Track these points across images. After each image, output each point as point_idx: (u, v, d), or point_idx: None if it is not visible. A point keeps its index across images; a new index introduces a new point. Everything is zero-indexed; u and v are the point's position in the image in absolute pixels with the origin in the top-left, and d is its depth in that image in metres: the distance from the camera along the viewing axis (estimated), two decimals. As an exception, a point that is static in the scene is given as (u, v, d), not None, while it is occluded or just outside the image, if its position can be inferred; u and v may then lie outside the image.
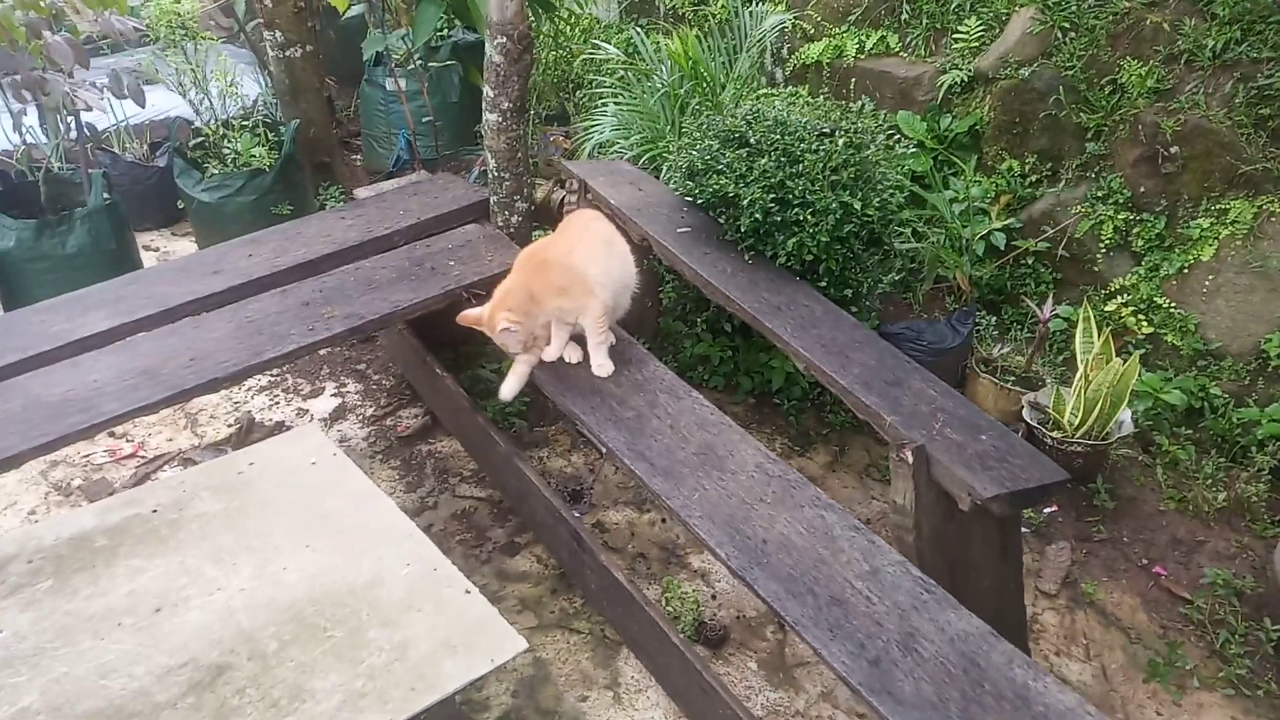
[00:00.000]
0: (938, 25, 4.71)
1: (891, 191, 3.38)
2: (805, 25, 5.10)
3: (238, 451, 2.30)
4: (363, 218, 3.36)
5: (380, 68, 5.12)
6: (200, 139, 4.52)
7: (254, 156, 4.40)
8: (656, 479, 2.39)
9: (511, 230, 3.42)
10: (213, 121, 4.53)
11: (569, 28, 5.76)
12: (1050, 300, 3.57)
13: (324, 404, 3.79)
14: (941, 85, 4.52)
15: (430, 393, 3.57)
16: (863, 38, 4.93)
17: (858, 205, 3.18)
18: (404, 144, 5.10)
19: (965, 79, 4.48)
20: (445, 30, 5.25)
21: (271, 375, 3.93)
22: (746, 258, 3.26)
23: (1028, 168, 4.32)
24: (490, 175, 3.36)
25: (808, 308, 3.03)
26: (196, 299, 2.91)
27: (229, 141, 4.49)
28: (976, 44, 4.48)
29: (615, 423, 2.57)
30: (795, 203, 3.16)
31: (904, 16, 4.81)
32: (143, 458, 3.50)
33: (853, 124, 3.48)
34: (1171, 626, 2.86)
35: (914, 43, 4.78)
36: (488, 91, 3.19)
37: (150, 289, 2.97)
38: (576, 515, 2.94)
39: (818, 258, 3.21)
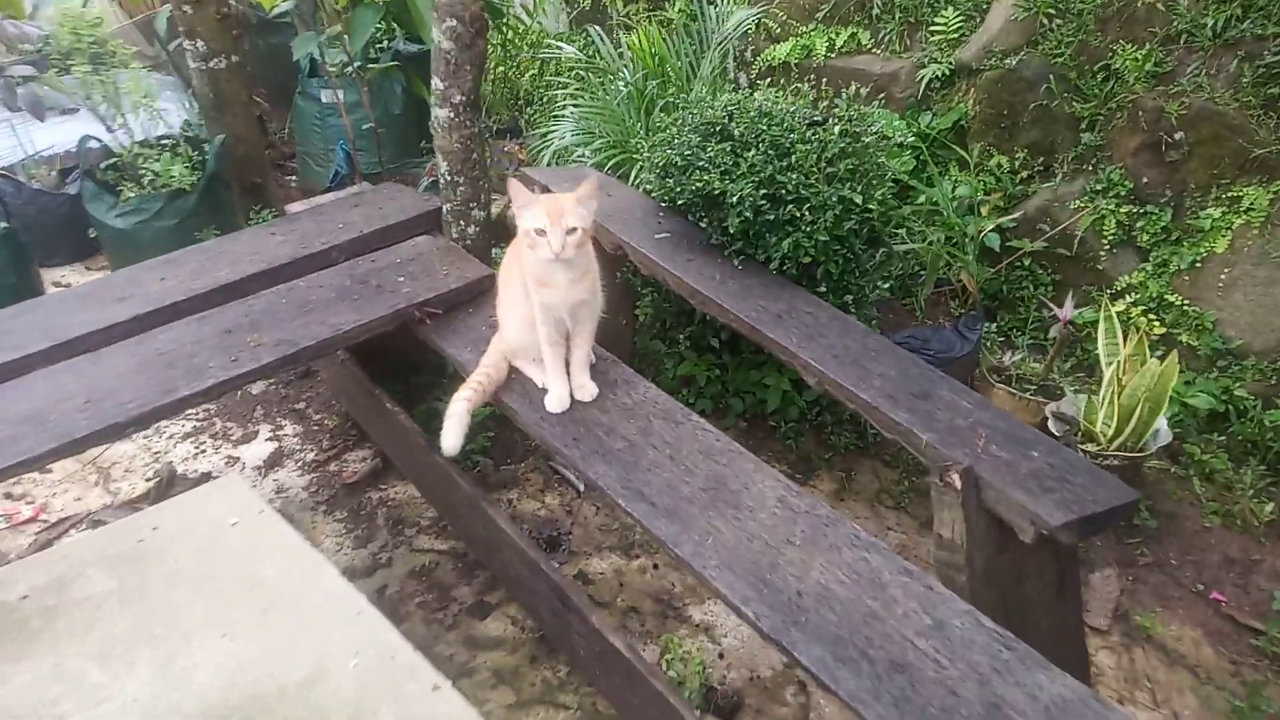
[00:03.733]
0: (911, 19, 4.43)
1: (890, 186, 3.05)
2: (770, 24, 4.79)
3: (138, 514, 1.85)
4: (296, 233, 2.93)
5: (315, 78, 4.68)
6: (114, 159, 4.04)
7: (174, 176, 3.93)
8: (660, 521, 1.98)
9: (468, 242, 3.01)
10: (128, 141, 4.06)
11: (517, 38, 5.40)
12: (1070, 300, 3.24)
13: (258, 450, 3.32)
14: (921, 80, 4.23)
15: (380, 431, 3.12)
16: (832, 35, 4.64)
17: (858, 199, 2.83)
18: (343, 157, 4.65)
19: (945, 72, 4.19)
20: (384, 39, 4.85)
21: (195, 419, 3.45)
22: (736, 263, 2.89)
23: (1018, 163, 4.02)
24: (442, 181, 2.95)
25: (811, 315, 2.67)
26: (98, 330, 2.45)
27: (146, 162, 4.02)
28: (955, 35, 4.21)
29: (604, 455, 2.16)
30: (789, 199, 2.80)
31: (875, 11, 4.53)
32: (45, 521, 3.00)
33: (844, 112, 3.14)
34: (1244, 662, 2.52)
35: (887, 38, 4.49)
36: (437, 84, 2.79)
37: (44, 320, 2.51)
38: (556, 566, 2.51)
39: (815, 260, 2.85)
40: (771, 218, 2.81)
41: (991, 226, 3.83)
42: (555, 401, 2.31)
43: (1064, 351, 3.53)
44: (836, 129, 2.92)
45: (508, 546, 2.51)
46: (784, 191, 2.81)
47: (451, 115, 2.82)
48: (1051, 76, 3.84)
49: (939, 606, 1.75)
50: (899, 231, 3.71)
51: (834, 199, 2.81)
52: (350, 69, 4.46)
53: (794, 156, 2.85)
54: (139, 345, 2.39)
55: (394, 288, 2.67)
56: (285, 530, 1.77)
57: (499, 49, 5.09)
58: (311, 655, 1.50)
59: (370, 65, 4.58)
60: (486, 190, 3.00)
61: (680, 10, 4.85)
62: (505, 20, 4.85)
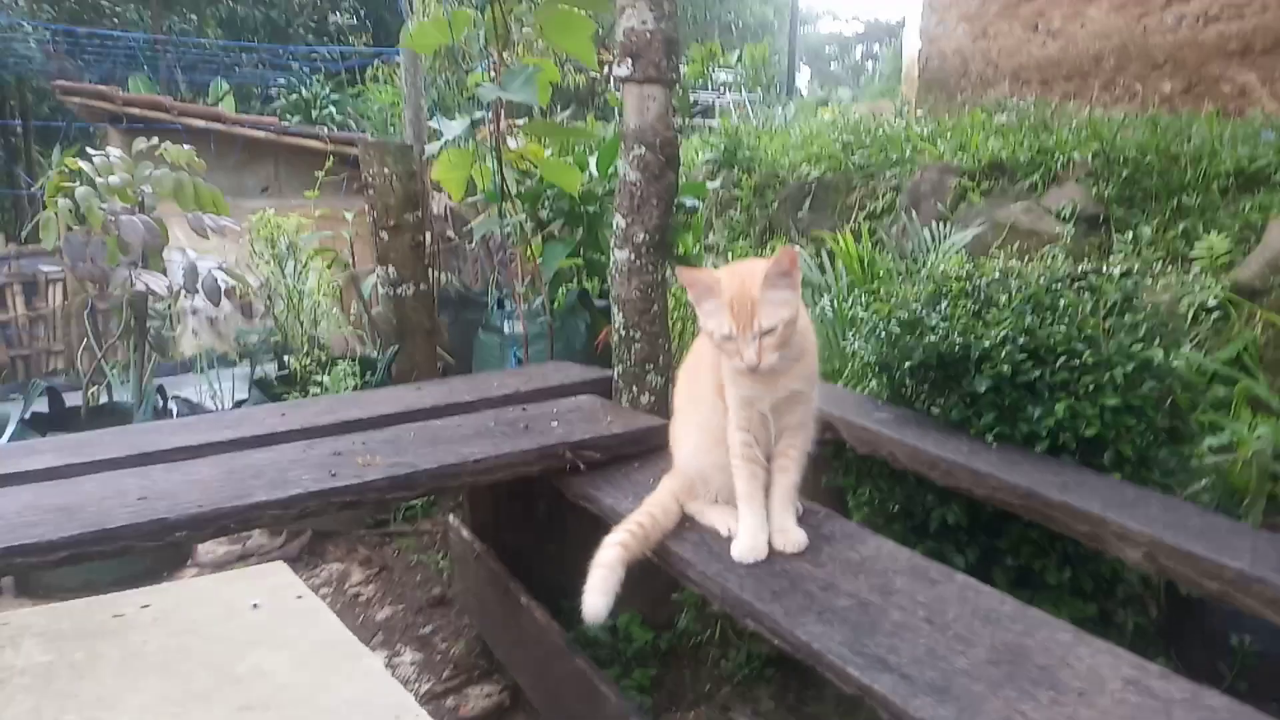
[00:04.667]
0: (1164, 253, 3.88)
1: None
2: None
3: (130, 591, 1.27)
4: (444, 388, 2.54)
5: (501, 309, 4.56)
6: (285, 371, 3.90)
7: (344, 387, 3.72)
8: (921, 700, 1.18)
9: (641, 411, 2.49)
10: (305, 355, 3.94)
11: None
12: None
13: (365, 672, 2.66)
14: (1189, 309, 3.56)
15: (511, 646, 2.42)
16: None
17: (1158, 355, 2.13)
18: (515, 362, 4.36)
19: (1217, 299, 3.52)
20: (575, 278, 4.75)
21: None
22: (988, 439, 2.19)
23: (1338, 397, 3.17)
24: (615, 336, 2.50)
25: (1111, 489, 1.90)
26: (189, 447, 2.02)
27: (318, 377, 3.85)
28: (1225, 259, 3.59)
29: (819, 614, 1.41)
30: (1060, 352, 2.15)
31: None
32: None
33: (1114, 280, 2.52)
34: None
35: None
36: (619, 221, 2.45)
37: (136, 438, 2.12)
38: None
39: (1101, 434, 2.11)
40: (1033, 377, 2.15)
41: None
42: (747, 547, 1.61)
43: None
44: (1116, 269, 2.30)
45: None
46: (1048, 349, 2.16)
47: (632, 257, 2.43)
48: (1368, 288, 3.12)
49: None
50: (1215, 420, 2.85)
51: (1120, 357, 2.13)
52: (537, 302, 4.30)
53: (1061, 308, 2.23)
54: (229, 459, 1.93)
55: (544, 430, 2.13)
56: (324, 618, 1.13)
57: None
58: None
59: (557, 307, 4.43)
60: (667, 350, 2.52)
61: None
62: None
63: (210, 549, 3.47)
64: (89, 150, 3.43)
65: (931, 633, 1.34)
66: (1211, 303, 3.50)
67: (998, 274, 2.46)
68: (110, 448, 2.01)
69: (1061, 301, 2.23)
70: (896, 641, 1.32)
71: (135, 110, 7.74)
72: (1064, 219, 4.18)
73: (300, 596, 1.19)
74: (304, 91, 11.74)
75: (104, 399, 3.68)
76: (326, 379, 3.81)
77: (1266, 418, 3.22)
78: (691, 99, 12.06)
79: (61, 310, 8.00)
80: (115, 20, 12.85)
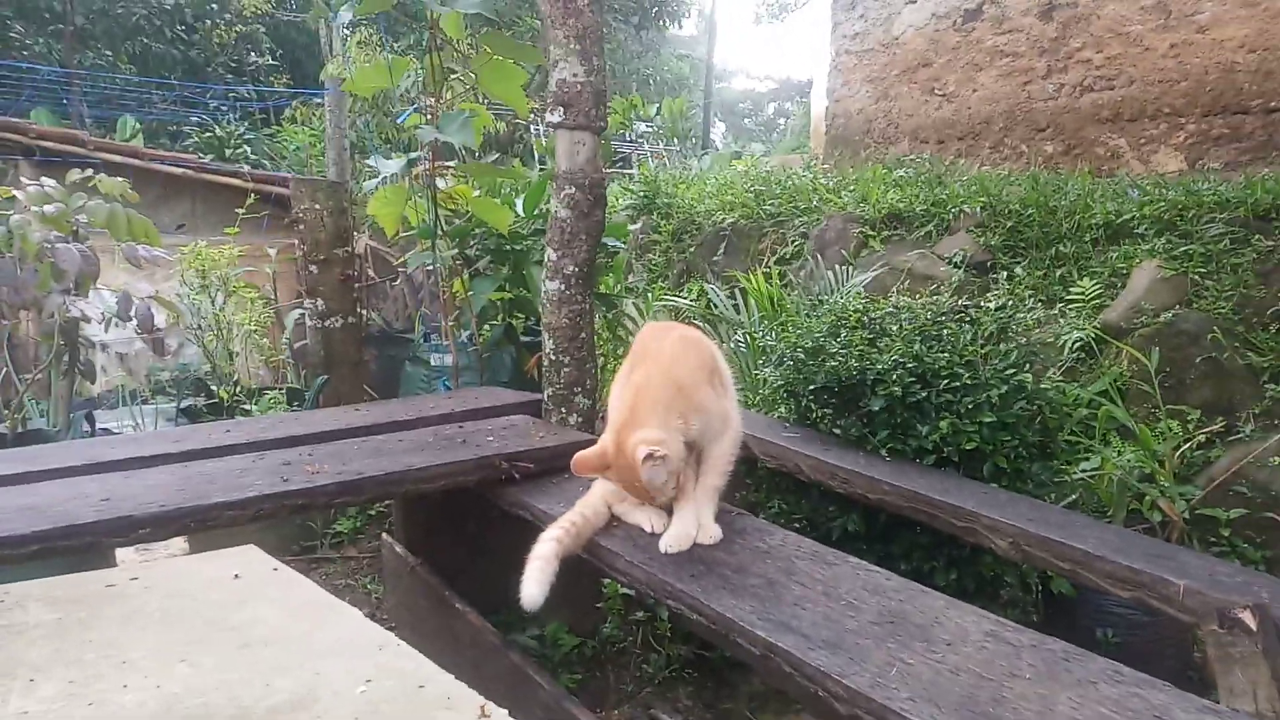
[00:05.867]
0: (1044, 297, 4.26)
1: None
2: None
3: (117, 567, 1.39)
4: (382, 409, 2.68)
5: (427, 342, 4.70)
6: (214, 400, 3.96)
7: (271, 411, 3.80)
8: (817, 653, 1.39)
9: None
10: (232, 385, 4.01)
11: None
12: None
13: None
14: (1063, 345, 3.93)
15: (445, 651, 2.55)
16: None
17: (1029, 379, 2.43)
18: (444, 389, 4.48)
19: (1091, 337, 3.90)
20: (501, 314, 4.91)
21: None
22: (882, 453, 2.44)
23: (1191, 425, 3.55)
24: (545, 360, 2.69)
25: (986, 493, 2.16)
26: (142, 457, 2.12)
27: (246, 405, 3.93)
28: (1096, 301, 3.98)
29: (732, 591, 1.61)
30: (942, 376, 2.42)
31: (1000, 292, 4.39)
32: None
33: (990, 313, 2.84)
34: None
35: (1017, 317, 4.29)
36: (550, 255, 2.65)
37: (89, 451, 2.21)
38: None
39: (980, 448, 2.39)
40: (921, 397, 2.42)
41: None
42: (675, 538, 1.81)
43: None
44: (993, 304, 2.60)
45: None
46: (935, 372, 2.44)
47: (562, 288, 2.64)
48: (1217, 329, 3.51)
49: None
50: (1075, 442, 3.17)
51: (995, 379, 2.42)
52: (465, 335, 4.45)
53: (943, 339, 2.52)
54: (182, 468, 2.04)
55: (481, 443, 2.29)
56: (302, 583, 1.28)
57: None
58: (299, 681, 0.96)
59: (484, 332, 4.59)
60: (593, 375, 2.72)
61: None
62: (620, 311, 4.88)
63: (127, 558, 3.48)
64: (22, 181, 3.48)
65: (827, 603, 1.55)
66: (1080, 339, 3.88)
67: (890, 308, 2.74)
68: (65, 458, 2.09)
69: (945, 332, 2.51)
70: (798, 610, 1.53)
71: (49, 144, 7.64)
72: (955, 265, 4.55)
73: (276, 569, 1.32)
74: (218, 130, 11.69)
75: (19, 429, 3.68)
76: (255, 408, 3.88)
77: (1129, 443, 3.59)
78: (613, 149, 12.41)
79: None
80: (24, 53, 12.59)
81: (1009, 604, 2.79)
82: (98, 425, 4.03)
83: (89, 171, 3.59)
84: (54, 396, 3.71)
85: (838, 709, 1.30)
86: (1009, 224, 4.65)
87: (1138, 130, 6.07)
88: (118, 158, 7.71)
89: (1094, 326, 3.89)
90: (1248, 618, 1.42)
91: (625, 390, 1.84)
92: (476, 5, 3.20)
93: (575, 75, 2.58)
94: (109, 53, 13.56)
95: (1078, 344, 3.88)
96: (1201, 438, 3.50)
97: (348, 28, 8.79)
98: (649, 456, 1.68)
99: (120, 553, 3.28)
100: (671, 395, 1.78)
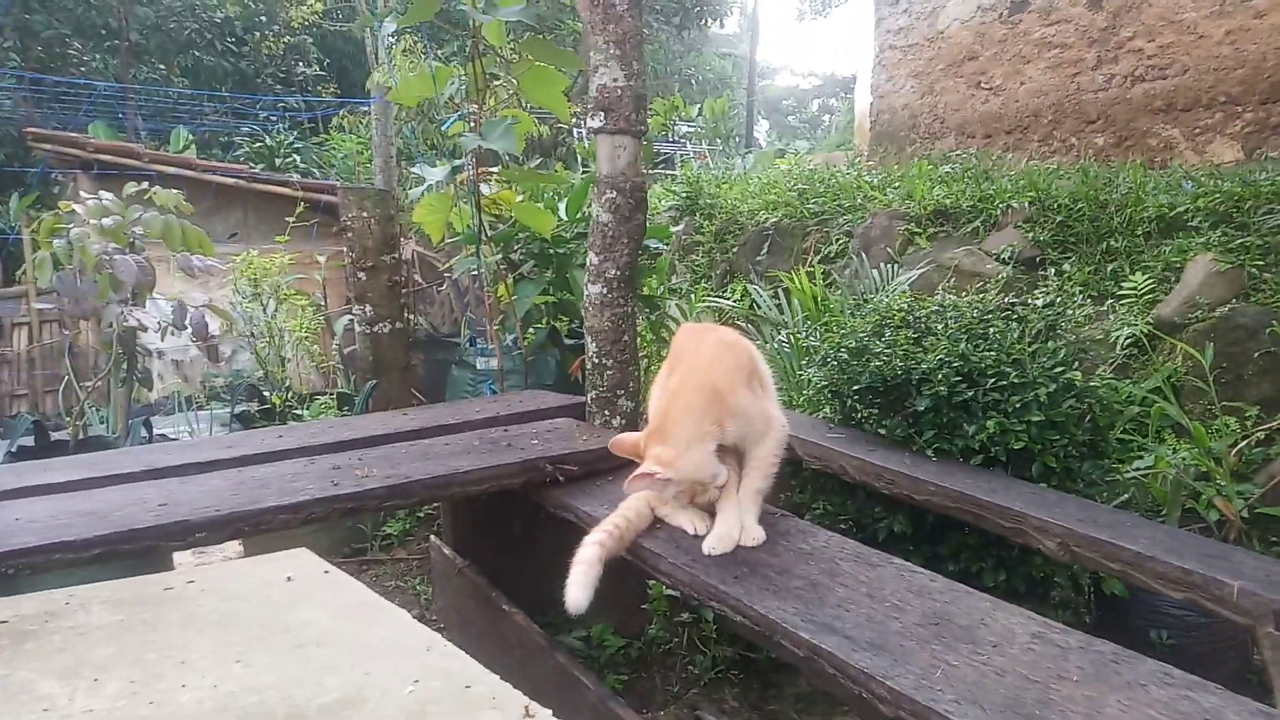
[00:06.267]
0: (1093, 294, 4.18)
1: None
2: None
3: (174, 571, 1.44)
4: (429, 414, 2.72)
5: (473, 346, 4.75)
6: (267, 406, 4.05)
7: (322, 416, 3.88)
8: (861, 655, 1.39)
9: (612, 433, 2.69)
10: (284, 390, 4.10)
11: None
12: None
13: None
14: (1115, 341, 3.86)
15: (493, 652, 2.58)
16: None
17: (1078, 376, 2.39)
18: (489, 392, 4.54)
19: (1144, 333, 3.82)
20: (547, 317, 4.96)
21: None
22: (929, 453, 2.42)
23: (1250, 422, 3.46)
24: (588, 364, 2.71)
25: (1034, 493, 2.13)
26: (197, 463, 2.18)
27: (298, 410, 4.01)
28: (1148, 296, 3.90)
29: (775, 593, 1.62)
30: (988, 375, 2.39)
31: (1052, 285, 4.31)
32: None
33: (1038, 310, 2.79)
34: None
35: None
36: (592, 259, 2.67)
37: (146, 457, 2.28)
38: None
39: (1028, 447, 2.36)
40: (967, 397, 2.39)
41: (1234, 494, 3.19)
42: (718, 539, 1.82)
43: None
44: (1040, 301, 2.56)
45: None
46: (982, 370, 2.41)
47: (605, 291, 2.66)
48: (1276, 323, 3.42)
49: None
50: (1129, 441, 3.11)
51: (1043, 377, 2.39)
52: (509, 338, 4.50)
53: (990, 336, 2.49)
54: (236, 474, 2.10)
55: (525, 446, 2.32)
56: (352, 585, 1.31)
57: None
58: (346, 683, 0.99)
59: (528, 336, 4.63)
60: (636, 377, 2.73)
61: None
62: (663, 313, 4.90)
63: (185, 561, 3.58)
64: (81, 194, 3.60)
65: (871, 604, 1.55)
66: (1129, 335, 3.80)
67: (936, 306, 2.72)
68: (124, 464, 2.16)
69: (991, 330, 2.48)
70: (842, 611, 1.53)
71: (106, 157, 7.87)
72: (1003, 261, 4.49)
73: (327, 572, 1.36)
74: (268, 140, 11.93)
75: (81, 435, 3.80)
76: (306, 413, 3.97)
77: (1184, 441, 3.51)
78: (655, 150, 12.44)
79: (26, 354, 8.02)
80: (82, 69, 12.97)
81: (1060, 605, 2.75)
82: (155, 431, 4.15)
83: (145, 185, 3.70)
84: (113, 403, 3.82)
85: (882, 710, 1.29)
86: (1058, 219, 4.57)
87: (1192, 120, 5.93)
88: (172, 169, 7.93)
89: (1146, 322, 3.81)
90: (1306, 620, 1.40)
91: (662, 394, 1.86)
92: (517, 12, 3.24)
93: (615, 80, 2.60)
94: (162, 66, 13.92)
95: (1129, 340, 3.81)
96: (1260, 435, 3.42)
97: (392, 36, 8.92)
98: (646, 475, 1.71)
99: (178, 556, 3.38)
100: (706, 400, 1.78)
